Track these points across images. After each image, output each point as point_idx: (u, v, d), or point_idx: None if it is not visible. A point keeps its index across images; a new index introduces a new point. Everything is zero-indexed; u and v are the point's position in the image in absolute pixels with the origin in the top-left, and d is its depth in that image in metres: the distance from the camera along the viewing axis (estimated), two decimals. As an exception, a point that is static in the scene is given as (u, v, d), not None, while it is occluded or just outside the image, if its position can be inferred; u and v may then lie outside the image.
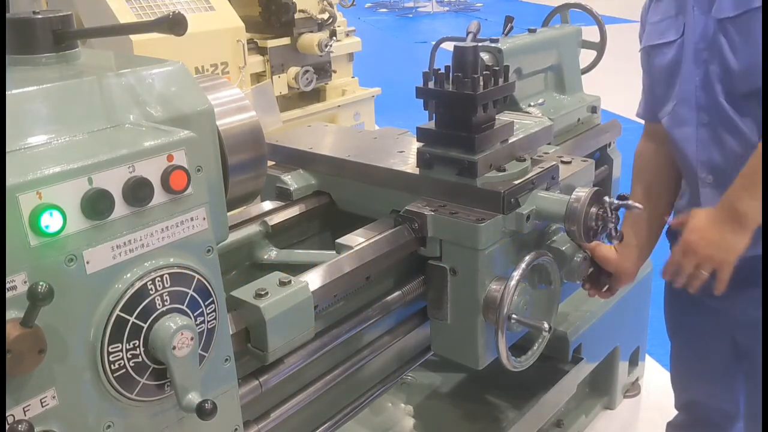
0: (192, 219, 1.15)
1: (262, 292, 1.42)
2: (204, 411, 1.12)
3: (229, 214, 1.40)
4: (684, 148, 1.95)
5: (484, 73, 1.82)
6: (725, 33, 1.79)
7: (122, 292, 1.06)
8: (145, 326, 1.10)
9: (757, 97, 1.76)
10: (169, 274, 1.11)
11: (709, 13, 1.81)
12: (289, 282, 1.47)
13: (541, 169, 1.92)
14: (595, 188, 1.83)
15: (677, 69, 1.92)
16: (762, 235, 1.78)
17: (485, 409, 2.47)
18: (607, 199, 1.85)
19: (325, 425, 1.73)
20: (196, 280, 1.15)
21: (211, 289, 1.18)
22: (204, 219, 1.16)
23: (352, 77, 4.87)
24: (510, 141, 1.92)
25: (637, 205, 1.87)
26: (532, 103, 2.63)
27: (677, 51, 1.91)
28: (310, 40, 4.18)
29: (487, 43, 2.47)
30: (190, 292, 1.15)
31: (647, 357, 3.28)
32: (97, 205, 1.01)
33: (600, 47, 2.91)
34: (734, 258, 1.78)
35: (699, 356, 2.27)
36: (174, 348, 1.10)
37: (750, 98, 1.78)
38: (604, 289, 2.23)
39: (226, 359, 1.27)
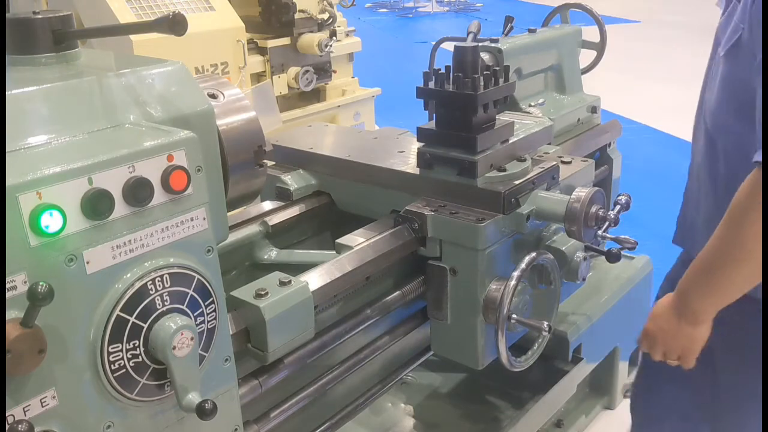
0: (192, 219, 1.15)
1: (262, 292, 1.42)
2: (204, 411, 1.12)
3: (229, 214, 1.40)
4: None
5: (485, 73, 1.82)
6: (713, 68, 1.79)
7: (122, 292, 1.06)
8: (145, 326, 1.10)
9: (722, 138, 1.71)
10: (169, 274, 1.11)
11: (718, 47, 1.79)
12: (289, 282, 1.47)
13: (542, 169, 1.92)
14: (595, 188, 1.83)
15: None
16: (762, 238, 1.77)
17: (485, 409, 2.47)
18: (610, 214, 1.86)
19: (325, 425, 1.73)
20: (196, 280, 1.16)
21: (211, 289, 1.18)
22: (204, 219, 1.16)
23: (352, 77, 4.88)
24: (510, 141, 1.92)
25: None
26: (532, 103, 2.62)
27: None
28: (310, 40, 4.18)
29: (487, 43, 2.47)
30: (190, 292, 1.15)
31: (647, 357, 3.27)
32: (97, 205, 1.01)
33: (600, 47, 2.91)
34: (697, 346, 1.77)
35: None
36: (174, 348, 1.10)
37: (719, 134, 1.74)
38: None
39: (226, 359, 1.27)
